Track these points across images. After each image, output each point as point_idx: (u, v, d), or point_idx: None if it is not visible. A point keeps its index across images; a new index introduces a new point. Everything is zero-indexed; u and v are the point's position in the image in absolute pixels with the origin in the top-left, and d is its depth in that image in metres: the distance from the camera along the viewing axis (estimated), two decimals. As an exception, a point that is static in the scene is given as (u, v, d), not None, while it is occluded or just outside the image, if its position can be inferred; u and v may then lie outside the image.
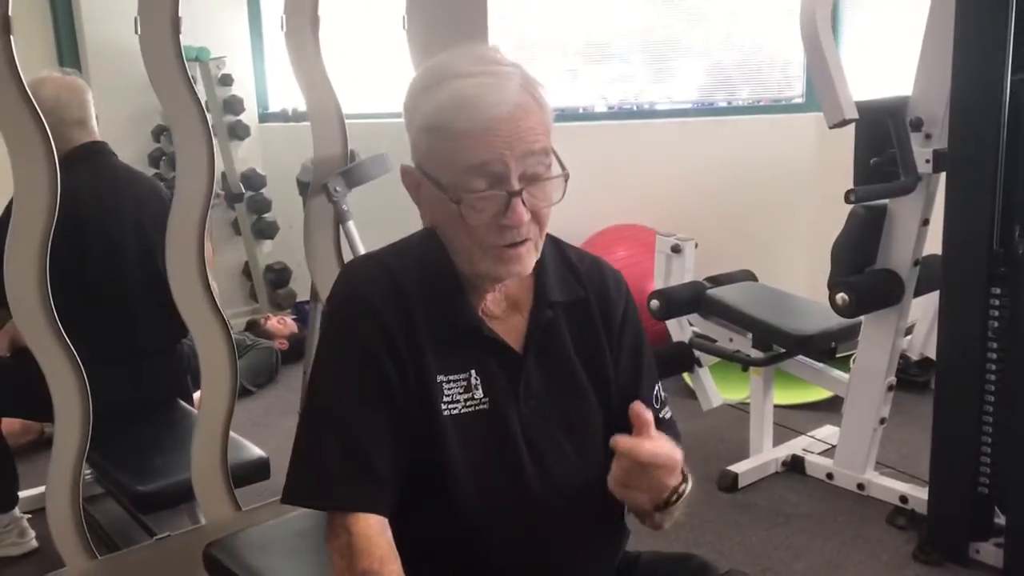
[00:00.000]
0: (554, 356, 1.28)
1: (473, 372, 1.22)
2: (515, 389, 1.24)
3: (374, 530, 1.15)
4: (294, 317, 4.77)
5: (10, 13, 1.81)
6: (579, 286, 1.31)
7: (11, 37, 1.82)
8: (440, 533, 1.23)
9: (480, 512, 1.21)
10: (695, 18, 4.67)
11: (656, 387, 1.36)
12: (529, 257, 1.21)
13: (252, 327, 4.58)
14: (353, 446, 1.17)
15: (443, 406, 1.20)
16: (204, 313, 2.12)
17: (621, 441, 1.12)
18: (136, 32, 1.97)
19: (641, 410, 1.14)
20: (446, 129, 1.14)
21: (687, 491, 1.21)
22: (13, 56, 1.82)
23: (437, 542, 1.23)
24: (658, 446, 1.14)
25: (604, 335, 1.31)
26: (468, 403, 1.22)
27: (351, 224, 2.44)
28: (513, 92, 1.14)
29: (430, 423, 1.19)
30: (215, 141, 5.07)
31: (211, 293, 2.12)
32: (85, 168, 2.56)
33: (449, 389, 1.21)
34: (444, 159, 1.16)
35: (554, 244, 1.32)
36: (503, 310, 1.27)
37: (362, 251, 2.39)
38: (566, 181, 1.19)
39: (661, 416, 1.34)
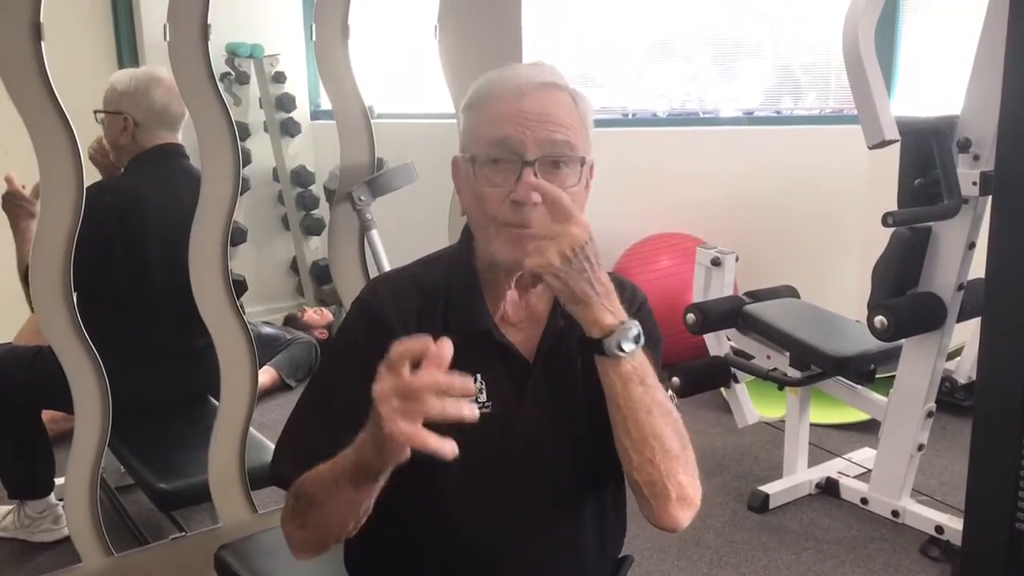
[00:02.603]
0: (561, 367, 1.29)
1: (479, 376, 1.24)
2: (520, 396, 1.26)
3: None
4: (332, 307, 4.82)
5: (42, 20, 1.85)
6: None
7: (42, 43, 1.85)
8: (426, 528, 1.26)
9: (471, 512, 1.24)
10: (763, 19, 4.58)
11: None
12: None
13: (290, 321, 4.64)
14: (320, 442, 1.20)
15: None
16: (225, 317, 2.14)
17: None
18: (165, 39, 1.99)
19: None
20: (479, 102, 1.22)
21: (636, 331, 1.16)
22: (43, 62, 1.86)
23: (423, 537, 1.26)
24: None
25: None
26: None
27: (375, 233, 2.45)
28: (546, 75, 1.21)
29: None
30: (268, 138, 5.14)
31: (233, 297, 2.13)
32: (158, 166, 2.59)
33: None
34: (474, 133, 1.22)
35: None
36: (522, 319, 1.29)
37: (385, 261, 2.39)
38: (582, 165, 1.22)
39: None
